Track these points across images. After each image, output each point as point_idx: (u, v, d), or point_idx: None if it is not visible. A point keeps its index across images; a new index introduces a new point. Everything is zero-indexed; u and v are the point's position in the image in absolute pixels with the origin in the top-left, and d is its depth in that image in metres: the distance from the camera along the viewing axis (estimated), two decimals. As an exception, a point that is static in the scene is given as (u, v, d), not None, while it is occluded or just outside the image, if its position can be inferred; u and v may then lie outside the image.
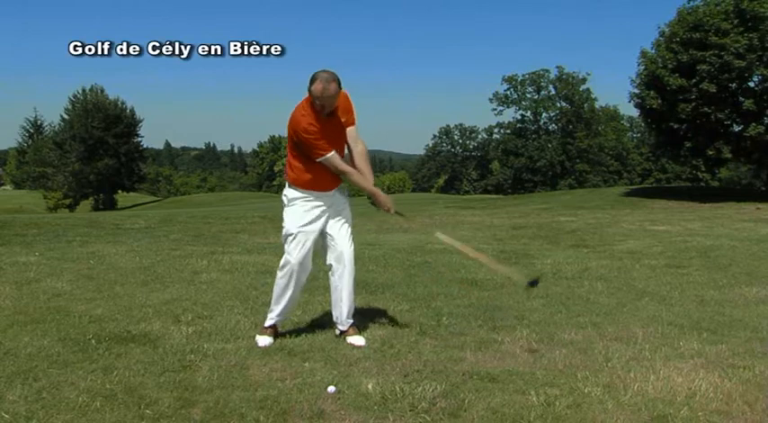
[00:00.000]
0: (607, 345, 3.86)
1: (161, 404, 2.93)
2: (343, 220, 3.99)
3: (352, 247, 4.00)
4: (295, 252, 3.87)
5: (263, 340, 3.86)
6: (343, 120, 3.86)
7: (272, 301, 3.99)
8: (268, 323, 3.99)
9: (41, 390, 3.07)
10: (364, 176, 3.91)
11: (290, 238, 3.89)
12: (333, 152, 3.79)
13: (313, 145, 3.75)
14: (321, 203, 3.91)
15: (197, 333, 4.04)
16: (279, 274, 3.95)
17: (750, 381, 3.26)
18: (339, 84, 3.69)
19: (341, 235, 3.95)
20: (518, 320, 4.43)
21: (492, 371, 3.39)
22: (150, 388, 3.12)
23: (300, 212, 3.90)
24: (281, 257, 3.96)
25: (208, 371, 3.37)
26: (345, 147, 3.93)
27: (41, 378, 3.22)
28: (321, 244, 3.99)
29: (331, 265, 4.00)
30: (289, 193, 3.96)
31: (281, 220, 3.97)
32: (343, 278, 3.98)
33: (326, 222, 3.94)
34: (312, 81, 3.66)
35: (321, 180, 3.87)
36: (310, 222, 3.89)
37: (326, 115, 3.76)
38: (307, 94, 3.73)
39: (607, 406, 2.96)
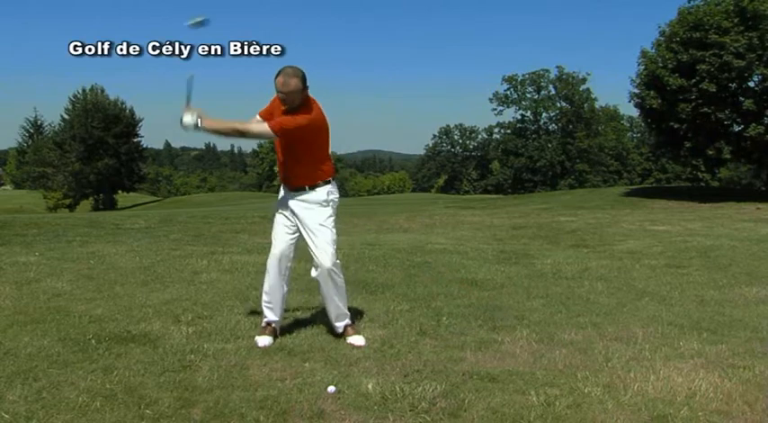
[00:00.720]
0: (607, 345, 3.86)
1: (161, 404, 2.93)
2: (317, 228, 3.87)
3: (329, 255, 3.85)
4: (273, 242, 4.00)
5: (263, 340, 3.86)
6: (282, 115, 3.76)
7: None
8: (263, 321, 4.01)
9: (41, 390, 3.07)
10: (226, 125, 3.82)
11: None
12: (254, 118, 3.91)
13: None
14: (285, 198, 3.97)
15: (197, 333, 4.04)
16: None
17: (750, 381, 3.26)
18: (303, 81, 3.68)
19: (316, 244, 3.86)
20: (518, 320, 4.43)
21: (492, 371, 3.39)
22: (150, 388, 3.12)
23: (276, 203, 4.06)
24: None
25: (208, 371, 3.37)
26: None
27: (41, 378, 3.22)
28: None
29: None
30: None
31: None
32: (322, 287, 3.95)
33: (297, 223, 3.93)
34: (276, 74, 3.69)
35: (281, 171, 3.99)
36: (277, 214, 4.00)
37: (287, 112, 3.74)
38: None
39: (607, 406, 2.96)
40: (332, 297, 3.94)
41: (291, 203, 3.92)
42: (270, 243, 4.04)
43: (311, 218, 3.87)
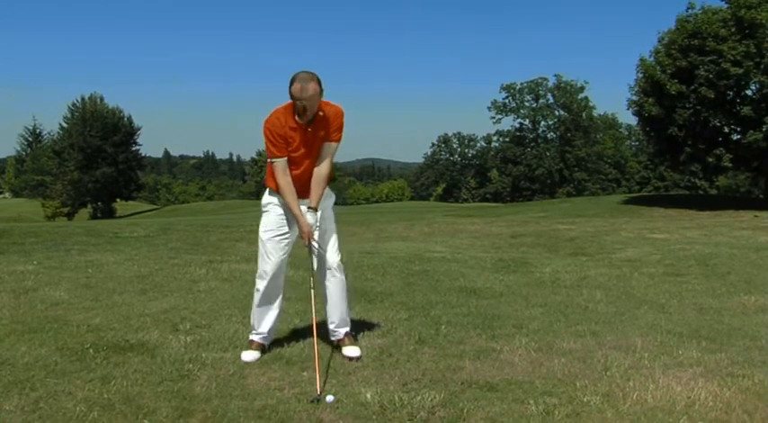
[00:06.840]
0: (606, 353, 3.85)
1: (159, 414, 2.92)
2: (325, 230, 3.86)
3: (339, 256, 3.89)
4: (262, 261, 3.83)
5: (248, 355, 3.76)
6: (322, 133, 3.68)
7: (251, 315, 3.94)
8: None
9: (38, 400, 3.06)
10: (296, 197, 3.71)
11: (260, 245, 3.84)
12: (282, 160, 3.66)
13: (268, 144, 3.67)
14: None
15: (195, 342, 4.03)
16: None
17: (749, 389, 3.25)
18: (319, 83, 3.54)
19: (326, 246, 3.86)
20: (517, 329, 4.42)
21: (491, 380, 3.38)
22: (148, 397, 3.11)
23: (271, 218, 3.82)
24: None
25: (206, 380, 3.36)
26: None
27: (38, 388, 3.21)
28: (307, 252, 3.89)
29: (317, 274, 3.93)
30: (264, 197, 3.90)
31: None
32: (329, 291, 3.92)
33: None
34: (291, 82, 3.52)
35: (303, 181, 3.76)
36: (278, 228, 3.80)
37: (307, 123, 3.61)
38: (289, 100, 3.59)
39: (606, 415, 2.95)
40: (336, 302, 3.92)
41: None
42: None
43: (327, 220, 3.89)
